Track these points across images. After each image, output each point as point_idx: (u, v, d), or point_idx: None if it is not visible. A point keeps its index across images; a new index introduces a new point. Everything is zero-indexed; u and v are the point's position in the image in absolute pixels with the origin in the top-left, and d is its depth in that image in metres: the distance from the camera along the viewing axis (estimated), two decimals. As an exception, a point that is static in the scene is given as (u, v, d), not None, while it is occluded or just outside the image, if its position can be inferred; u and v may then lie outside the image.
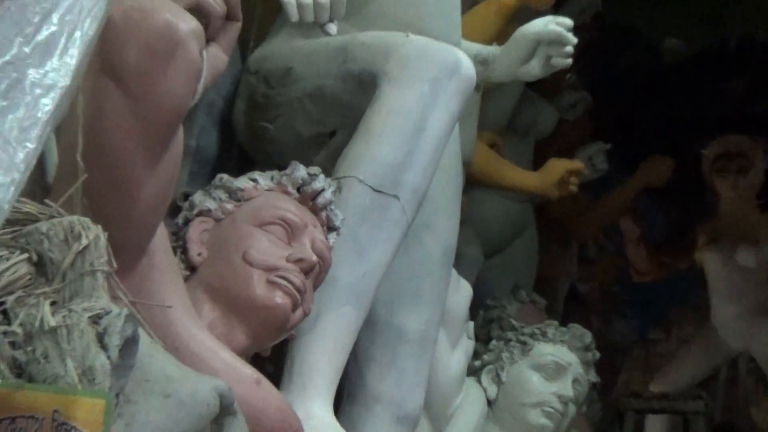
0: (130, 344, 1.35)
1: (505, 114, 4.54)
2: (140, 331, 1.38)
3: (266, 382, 2.20)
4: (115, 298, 1.40)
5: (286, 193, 2.44)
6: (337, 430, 2.48)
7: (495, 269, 4.51)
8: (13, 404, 1.21)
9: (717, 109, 7.15)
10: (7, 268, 1.37)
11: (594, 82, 5.54)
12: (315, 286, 2.42)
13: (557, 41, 3.27)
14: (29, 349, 1.29)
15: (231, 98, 2.99)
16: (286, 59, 2.88)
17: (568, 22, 3.31)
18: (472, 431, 3.42)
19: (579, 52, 3.36)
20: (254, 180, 2.46)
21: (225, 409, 1.46)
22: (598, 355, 3.85)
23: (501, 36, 3.55)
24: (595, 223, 6.18)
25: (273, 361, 2.47)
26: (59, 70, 1.48)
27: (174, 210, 2.33)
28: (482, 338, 3.72)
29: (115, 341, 1.33)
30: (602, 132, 5.78)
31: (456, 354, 3.35)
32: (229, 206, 2.41)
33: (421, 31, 2.87)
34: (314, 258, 2.37)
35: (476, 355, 3.62)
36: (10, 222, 1.42)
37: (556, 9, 3.82)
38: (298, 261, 2.34)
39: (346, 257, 2.54)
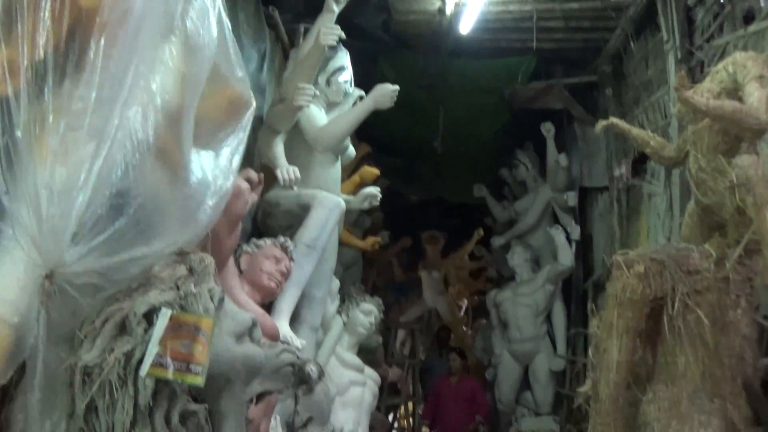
0: (221, 300, 1.36)
1: (352, 218, 4.53)
2: (225, 295, 1.40)
3: (267, 315, 2.20)
4: (216, 283, 1.42)
5: (276, 246, 2.42)
6: (291, 333, 2.46)
7: (347, 275, 4.48)
8: (180, 320, 1.22)
9: (427, 221, 7.36)
10: (177, 270, 1.38)
11: (380, 209, 5.53)
12: (284, 280, 2.40)
13: (373, 196, 3.36)
14: (185, 300, 1.29)
15: (256, 211, 2.96)
16: (277, 198, 2.87)
17: (377, 192, 3.37)
18: (337, 333, 3.38)
19: (381, 200, 3.42)
20: (264, 241, 2.44)
21: (253, 323, 1.47)
22: (383, 307, 3.83)
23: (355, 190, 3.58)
24: (384, 258, 6.19)
25: (268, 306, 2.45)
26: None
27: (235, 251, 2.31)
28: (341, 300, 3.65)
29: (216, 298, 1.35)
30: (387, 226, 5.88)
31: (332, 305, 3.33)
32: (255, 250, 2.38)
33: (327, 189, 2.91)
34: (285, 271, 2.37)
35: (340, 306, 3.56)
36: (180, 254, 1.43)
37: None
38: (279, 271, 2.33)
39: (296, 270, 2.51)
